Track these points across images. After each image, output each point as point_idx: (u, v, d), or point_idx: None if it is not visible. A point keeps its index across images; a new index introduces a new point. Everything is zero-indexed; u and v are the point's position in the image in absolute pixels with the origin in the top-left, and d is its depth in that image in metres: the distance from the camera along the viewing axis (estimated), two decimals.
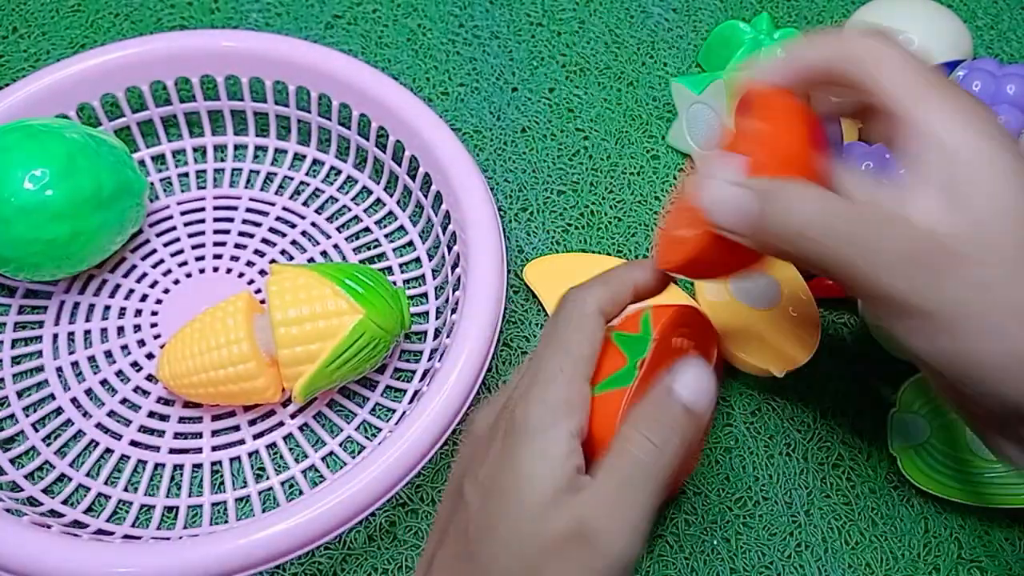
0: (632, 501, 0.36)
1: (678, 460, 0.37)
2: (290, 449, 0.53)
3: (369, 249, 0.59)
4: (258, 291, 0.57)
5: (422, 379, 0.54)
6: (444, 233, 0.57)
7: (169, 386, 0.51)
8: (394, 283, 0.58)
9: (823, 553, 0.50)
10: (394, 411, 0.54)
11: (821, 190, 0.36)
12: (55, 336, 0.55)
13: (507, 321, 0.57)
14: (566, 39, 0.68)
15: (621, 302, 0.41)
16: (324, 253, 0.59)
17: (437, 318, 0.57)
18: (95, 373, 0.54)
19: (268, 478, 0.52)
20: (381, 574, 0.49)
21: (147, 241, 0.59)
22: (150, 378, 0.54)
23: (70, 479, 0.51)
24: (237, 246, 0.59)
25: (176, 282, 0.57)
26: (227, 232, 0.59)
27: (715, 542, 0.51)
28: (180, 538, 0.48)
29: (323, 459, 0.52)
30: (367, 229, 0.60)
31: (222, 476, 0.52)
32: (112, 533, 0.49)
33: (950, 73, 0.59)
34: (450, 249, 0.56)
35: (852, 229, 0.35)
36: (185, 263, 0.58)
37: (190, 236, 0.59)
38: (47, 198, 0.50)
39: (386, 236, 0.60)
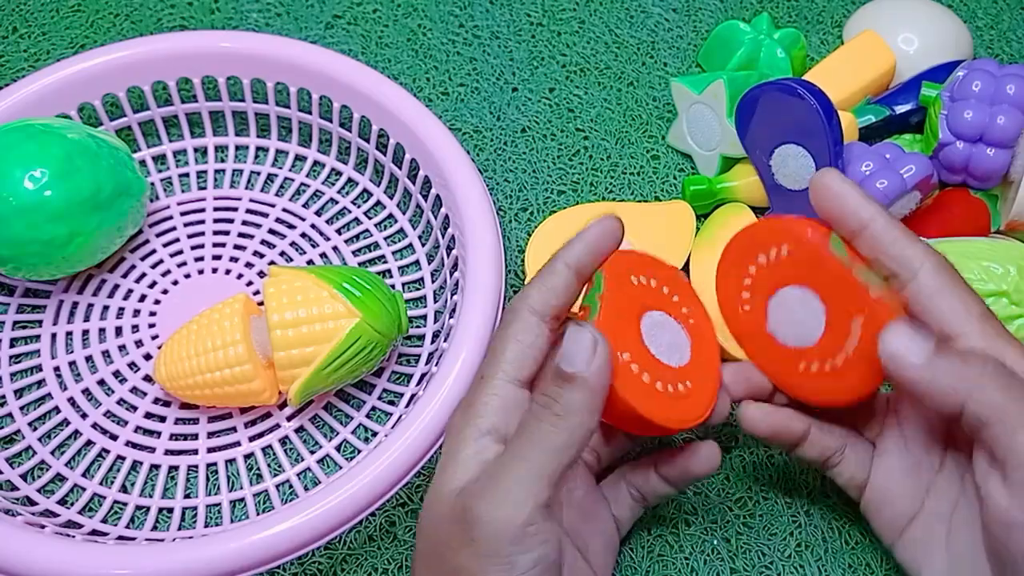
0: (513, 474, 0.37)
1: (577, 431, 0.38)
2: (286, 452, 0.53)
3: (369, 252, 0.59)
4: (256, 292, 0.57)
5: (419, 383, 0.54)
6: (443, 236, 0.57)
7: (166, 387, 0.51)
8: (393, 286, 0.58)
9: (823, 553, 0.50)
10: (390, 415, 0.53)
11: None
12: (53, 336, 0.55)
13: None
14: (566, 39, 0.68)
15: (560, 290, 0.41)
16: (323, 255, 0.59)
17: (436, 321, 0.56)
18: (92, 373, 0.54)
19: (263, 480, 0.52)
20: (381, 574, 0.49)
21: (147, 241, 0.59)
22: (147, 379, 0.54)
23: (65, 479, 0.51)
24: (236, 247, 0.59)
25: (175, 283, 0.57)
26: (227, 233, 0.59)
27: (715, 542, 0.50)
28: (174, 540, 0.48)
29: (319, 462, 0.52)
30: (367, 231, 0.60)
31: (217, 478, 0.52)
32: (106, 534, 0.49)
33: (950, 73, 0.58)
34: (449, 252, 0.56)
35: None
36: (184, 263, 0.58)
37: (190, 237, 0.59)
38: (45, 198, 0.50)
39: (386, 239, 0.60)
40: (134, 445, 0.52)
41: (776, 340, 0.44)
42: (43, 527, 0.47)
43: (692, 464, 0.45)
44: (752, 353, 0.45)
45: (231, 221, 0.60)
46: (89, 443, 0.52)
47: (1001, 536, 0.38)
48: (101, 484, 0.51)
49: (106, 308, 0.56)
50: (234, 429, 0.53)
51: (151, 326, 0.56)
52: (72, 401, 0.54)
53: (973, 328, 0.39)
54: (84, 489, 0.51)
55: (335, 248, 0.59)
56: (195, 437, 0.53)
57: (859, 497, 0.46)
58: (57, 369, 0.54)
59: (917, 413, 0.44)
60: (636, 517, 0.48)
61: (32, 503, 0.50)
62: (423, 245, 0.59)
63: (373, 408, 0.54)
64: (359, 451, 0.52)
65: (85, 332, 0.56)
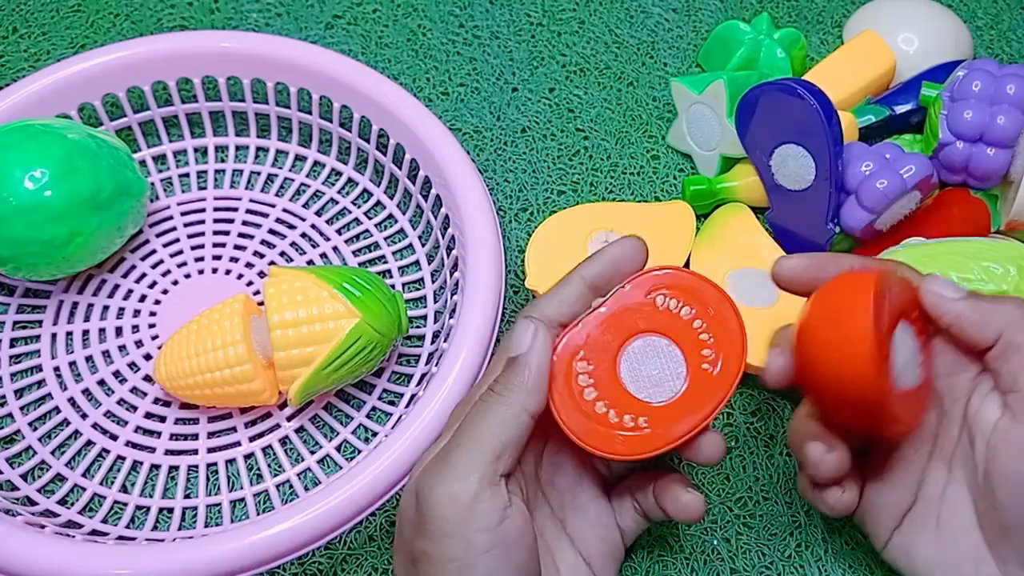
0: (458, 452, 0.39)
1: (517, 405, 0.39)
2: (286, 452, 0.53)
3: (369, 252, 0.59)
4: (256, 293, 0.57)
5: (419, 383, 0.54)
6: (444, 236, 0.57)
7: (166, 387, 0.51)
8: (393, 286, 0.58)
9: (823, 553, 0.50)
10: (391, 415, 0.54)
11: None
12: (53, 336, 0.55)
13: (507, 322, 0.57)
14: (566, 39, 0.68)
15: (572, 302, 0.42)
16: (323, 255, 0.59)
17: (436, 321, 0.56)
18: (93, 373, 0.54)
19: (264, 481, 0.52)
20: (381, 574, 0.49)
21: (147, 241, 0.59)
22: (147, 379, 0.54)
23: (65, 479, 0.51)
24: (236, 247, 0.59)
25: (175, 283, 0.57)
26: (227, 233, 0.59)
27: (715, 542, 0.50)
28: (174, 540, 0.48)
29: (319, 462, 0.52)
30: (367, 232, 0.60)
31: (217, 478, 0.52)
32: (106, 534, 0.49)
33: (950, 73, 0.58)
34: (449, 252, 0.56)
35: None
36: (184, 264, 0.58)
37: (190, 237, 0.59)
38: (45, 199, 0.50)
39: (386, 239, 0.60)
40: (134, 445, 0.52)
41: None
42: (43, 527, 0.47)
43: (674, 508, 0.44)
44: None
45: (231, 221, 0.60)
46: (89, 443, 0.52)
47: (989, 457, 0.41)
48: (101, 484, 0.51)
49: (106, 308, 0.56)
50: (234, 429, 0.53)
51: (151, 326, 0.56)
52: (72, 401, 0.54)
53: None
54: (84, 489, 0.51)
55: (335, 248, 0.59)
56: (195, 437, 0.53)
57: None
58: (57, 369, 0.54)
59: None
60: (640, 530, 0.47)
61: (32, 503, 0.50)
62: (423, 245, 0.59)
63: (373, 408, 0.54)
64: (359, 451, 0.52)
65: (85, 332, 0.56)
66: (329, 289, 0.49)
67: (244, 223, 0.60)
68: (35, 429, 0.53)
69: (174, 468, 0.52)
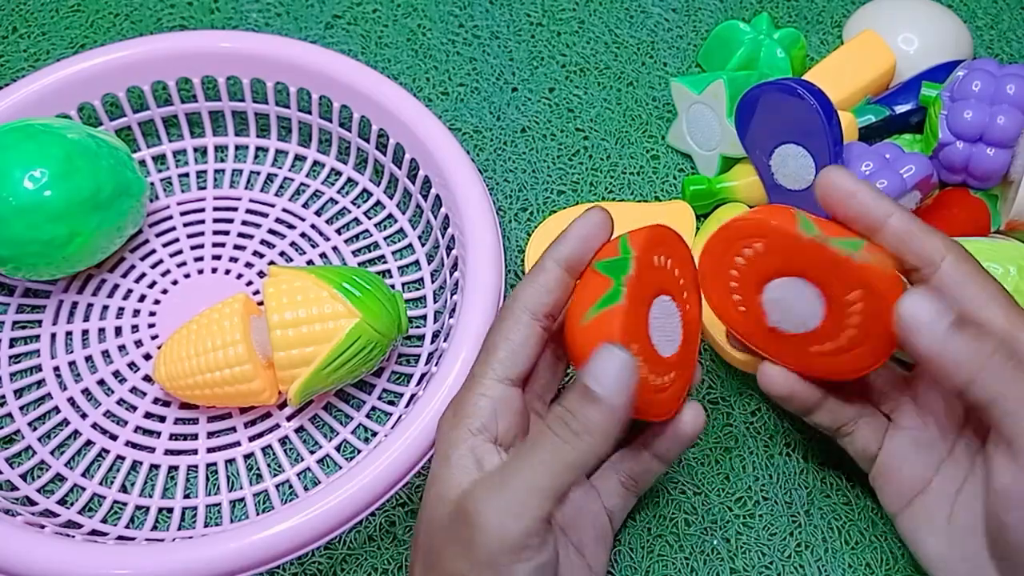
0: (519, 485, 0.37)
1: (592, 452, 0.38)
2: (286, 452, 0.53)
3: (368, 252, 0.59)
4: (256, 292, 0.57)
5: (419, 383, 0.54)
6: (443, 236, 0.57)
7: (165, 387, 0.51)
8: (393, 286, 0.58)
9: (823, 553, 0.50)
10: (390, 415, 0.53)
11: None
12: (53, 336, 0.55)
13: None
14: (566, 39, 0.68)
15: (551, 287, 0.42)
16: (323, 255, 0.59)
17: (435, 321, 0.56)
18: (92, 373, 0.54)
19: (263, 480, 0.52)
20: (381, 574, 0.49)
21: (146, 241, 0.59)
22: (147, 379, 0.54)
23: (65, 479, 0.51)
24: (236, 247, 0.59)
25: (175, 283, 0.57)
26: (226, 233, 0.59)
27: (715, 542, 0.50)
28: (174, 540, 0.48)
29: (319, 462, 0.52)
30: (367, 231, 0.60)
31: (217, 478, 0.52)
32: (106, 534, 0.49)
33: (950, 73, 0.58)
34: (449, 252, 0.56)
35: None
36: (184, 263, 0.58)
37: (189, 236, 0.59)
38: (45, 199, 0.50)
39: (386, 239, 0.60)
40: (134, 445, 0.52)
41: (780, 331, 0.44)
42: (43, 527, 0.47)
43: (681, 430, 0.45)
44: (762, 348, 0.45)
45: (231, 221, 0.60)
46: (89, 443, 0.52)
47: (1000, 510, 0.39)
48: (101, 484, 0.51)
49: (106, 308, 0.56)
50: (234, 429, 0.53)
51: (151, 326, 0.56)
52: (72, 401, 0.54)
53: (997, 314, 0.40)
54: (84, 489, 0.51)
55: (335, 248, 0.59)
56: (195, 437, 0.53)
57: (869, 468, 0.47)
58: (57, 369, 0.54)
59: (935, 393, 0.45)
60: (628, 507, 0.48)
61: (32, 503, 0.50)
62: (423, 245, 0.59)
63: (373, 408, 0.54)
64: (359, 451, 0.52)
65: (85, 332, 0.56)
66: (329, 289, 0.49)
67: (244, 223, 0.60)
68: (35, 429, 0.53)
69: (174, 468, 0.52)
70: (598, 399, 0.37)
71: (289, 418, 0.53)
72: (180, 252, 0.58)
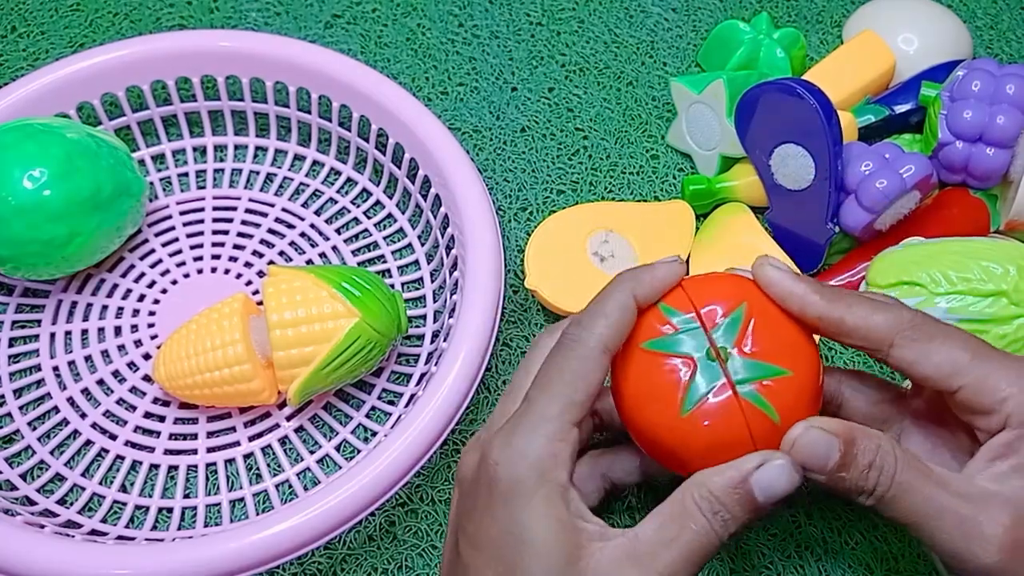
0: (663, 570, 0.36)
1: (724, 542, 0.37)
2: (286, 452, 0.53)
3: (368, 251, 0.59)
4: (256, 292, 0.57)
5: (419, 383, 0.54)
6: (443, 236, 0.57)
7: (165, 387, 0.51)
8: (392, 286, 0.58)
9: (823, 553, 0.50)
10: (390, 415, 0.53)
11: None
12: (52, 335, 0.55)
13: (506, 321, 0.57)
14: (566, 39, 0.68)
15: (626, 327, 0.40)
16: (323, 255, 0.59)
17: (435, 321, 0.56)
18: (92, 373, 0.54)
19: (263, 480, 0.52)
20: (381, 574, 0.49)
21: (146, 241, 0.59)
22: (146, 378, 0.54)
23: (65, 478, 0.51)
24: (235, 247, 0.59)
25: (174, 282, 0.57)
26: (226, 233, 0.59)
27: None
28: (174, 540, 0.48)
29: (318, 462, 0.52)
30: (366, 231, 0.60)
31: (217, 478, 0.52)
32: (106, 534, 0.49)
33: (949, 73, 0.58)
34: (448, 252, 0.56)
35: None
36: (183, 263, 0.58)
37: (189, 236, 0.59)
38: (44, 198, 0.50)
39: (385, 239, 0.60)
40: (133, 445, 0.52)
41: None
42: (42, 527, 0.47)
43: None
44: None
45: (230, 221, 0.60)
46: (88, 443, 0.52)
47: None
48: (100, 484, 0.51)
49: (105, 308, 0.56)
50: (233, 429, 0.53)
51: (150, 326, 0.56)
52: (71, 401, 0.54)
53: (963, 356, 0.39)
54: (83, 489, 0.51)
55: (334, 248, 0.59)
56: (194, 437, 0.53)
57: None
58: (56, 369, 0.54)
59: (930, 407, 0.44)
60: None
61: (31, 503, 0.50)
62: (422, 245, 0.59)
63: (373, 408, 0.54)
64: (359, 451, 0.52)
65: (84, 332, 0.56)
66: (328, 289, 0.49)
67: (243, 222, 0.60)
68: (34, 429, 0.53)
69: (173, 468, 0.52)
70: (758, 508, 0.37)
71: (289, 418, 0.53)
72: (179, 252, 0.58)
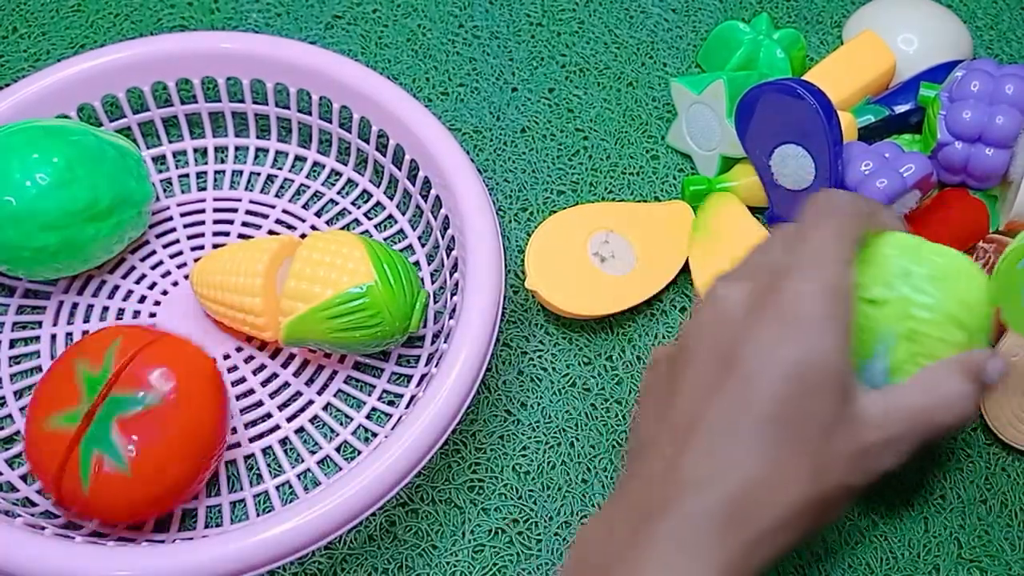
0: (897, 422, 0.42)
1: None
2: (286, 452, 0.53)
3: None
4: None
5: (419, 384, 0.54)
6: (443, 237, 0.57)
7: (192, 286, 0.54)
8: None
9: (823, 553, 0.50)
10: (390, 416, 0.54)
11: None
12: (53, 337, 0.55)
13: (507, 321, 0.57)
14: (566, 39, 0.68)
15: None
16: None
17: (435, 322, 0.56)
18: None
19: (264, 482, 0.52)
20: (381, 574, 0.49)
21: (147, 242, 0.59)
22: None
23: None
24: None
25: (175, 284, 0.57)
26: (227, 235, 0.59)
27: None
28: (174, 541, 0.48)
29: (319, 463, 0.52)
30: (367, 233, 0.60)
31: (217, 479, 0.52)
32: (106, 536, 0.49)
33: (949, 73, 0.58)
34: (449, 253, 0.56)
35: None
36: (184, 265, 0.58)
37: (190, 238, 0.59)
38: (39, 207, 0.50)
39: (386, 240, 0.60)
40: None
41: None
42: (43, 528, 0.47)
43: None
44: None
45: (231, 222, 0.60)
46: None
47: None
48: None
49: (106, 309, 0.56)
50: (234, 430, 0.53)
51: None
52: None
53: None
54: None
55: None
56: None
57: None
58: None
59: None
60: None
61: (32, 504, 0.50)
62: (423, 246, 0.59)
63: (373, 409, 0.54)
64: (359, 452, 0.53)
65: (85, 333, 0.56)
66: (363, 251, 0.51)
67: (244, 224, 0.60)
68: None
69: None
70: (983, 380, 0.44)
71: (289, 419, 0.53)
72: (180, 253, 0.58)
